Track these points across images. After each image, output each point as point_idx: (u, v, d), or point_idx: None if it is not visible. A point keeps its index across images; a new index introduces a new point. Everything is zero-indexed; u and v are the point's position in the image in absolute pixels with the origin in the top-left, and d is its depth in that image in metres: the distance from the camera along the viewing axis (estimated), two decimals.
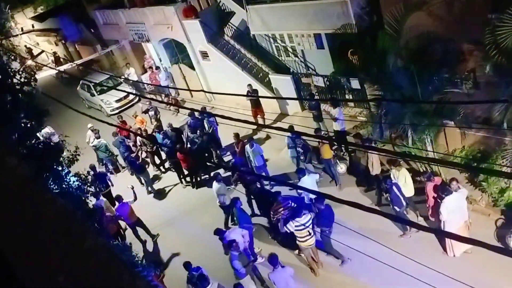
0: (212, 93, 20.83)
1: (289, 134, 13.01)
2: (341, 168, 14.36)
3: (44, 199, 1.40)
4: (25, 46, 34.58)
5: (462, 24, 11.43)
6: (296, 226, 10.70)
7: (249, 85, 17.95)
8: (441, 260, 10.30)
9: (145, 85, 24.90)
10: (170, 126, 17.78)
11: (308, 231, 10.78)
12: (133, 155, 17.40)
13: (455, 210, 9.99)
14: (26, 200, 1.40)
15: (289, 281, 9.96)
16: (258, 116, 17.98)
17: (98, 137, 18.85)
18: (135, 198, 14.27)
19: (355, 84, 15.67)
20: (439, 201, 10.10)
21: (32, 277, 1.08)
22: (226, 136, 16.80)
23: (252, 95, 17.11)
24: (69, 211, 1.27)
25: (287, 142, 14.47)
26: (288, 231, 10.93)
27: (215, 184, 13.34)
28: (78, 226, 1.21)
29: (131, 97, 24.57)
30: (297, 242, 11.09)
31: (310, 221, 10.75)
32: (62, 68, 26.29)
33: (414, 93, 11.60)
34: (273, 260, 9.91)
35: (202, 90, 18.24)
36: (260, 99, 17.82)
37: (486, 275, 9.43)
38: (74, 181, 8.99)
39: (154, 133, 18.46)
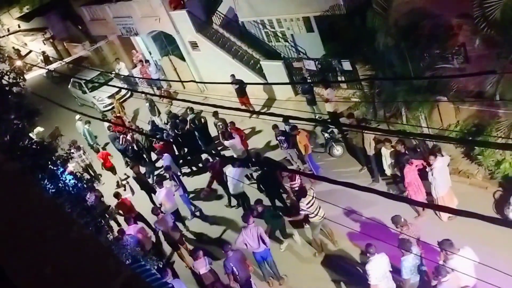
0: (203, 83, 20.74)
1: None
2: (337, 150, 14.37)
3: (29, 193, 1.38)
4: (13, 47, 34.29)
5: None
6: (307, 204, 10.56)
7: (232, 75, 17.87)
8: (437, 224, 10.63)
9: (137, 79, 24.79)
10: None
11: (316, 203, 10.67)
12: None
13: (442, 172, 10.40)
14: (11, 195, 1.38)
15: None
16: (246, 104, 17.98)
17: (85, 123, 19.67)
18: (133, 192, 14.30)
19: (346, 65, 15.64)
20: (429, 167, 10.43)
21: (18, 271, 1.07)
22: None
23: (238, 83, 17.14)
24: (54, 204, 1.26)
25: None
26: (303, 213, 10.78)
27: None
28: (63, 218, 1.19)
29: (123, 92, 24.45)
30: (310, 219, 10.89)
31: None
32: (52, 67, 26.11)
33: (406, 70, 11.59)
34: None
35: (193, 81, 18.20)
36: (247, 88, 17.83)
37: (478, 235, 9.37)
38: (70, 179, 8.96)
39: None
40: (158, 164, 17.48)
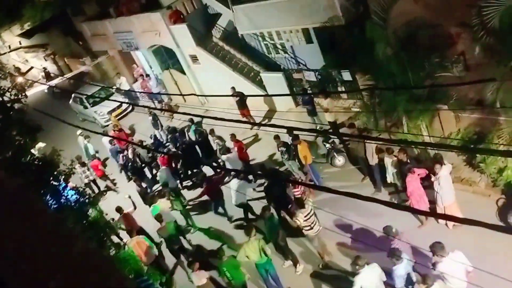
0: (204, 95, 20.80)
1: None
2: (339, 160, 14.33)
3: (33, 209, 1.38)
4: (13, 65, 34.43)
5: (448, 8, 11.45)
6: (305, 216, 10.60)
7: (233, 87, 17.96)
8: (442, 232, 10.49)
9: (137, 93, 24.90)
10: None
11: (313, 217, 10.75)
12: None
13: (447, 181, 10.34)
14: (14, 211, 1.39)
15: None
16: (247, 116, 18.02)
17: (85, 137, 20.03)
18: (135, 207, 14.31)
19: (346, 76, 15.68)
20: (433, 175, 10.38)
21: (21, 285, 1.07)
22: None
23: (239, 96, 17.23)
24: (57, 219, 1.26)
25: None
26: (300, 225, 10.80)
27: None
28: (67, 233, 1.20)
29: (124, 106, 24.55)
30: (304, 232, 10.95)
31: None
32: (53, 82, 26.27)
33: (406, 80, 11.61)
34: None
35: (193, 94, 18.26)
36: (248, 100, 17.85)
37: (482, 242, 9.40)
38: (72, 195, 8.97)
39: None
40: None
